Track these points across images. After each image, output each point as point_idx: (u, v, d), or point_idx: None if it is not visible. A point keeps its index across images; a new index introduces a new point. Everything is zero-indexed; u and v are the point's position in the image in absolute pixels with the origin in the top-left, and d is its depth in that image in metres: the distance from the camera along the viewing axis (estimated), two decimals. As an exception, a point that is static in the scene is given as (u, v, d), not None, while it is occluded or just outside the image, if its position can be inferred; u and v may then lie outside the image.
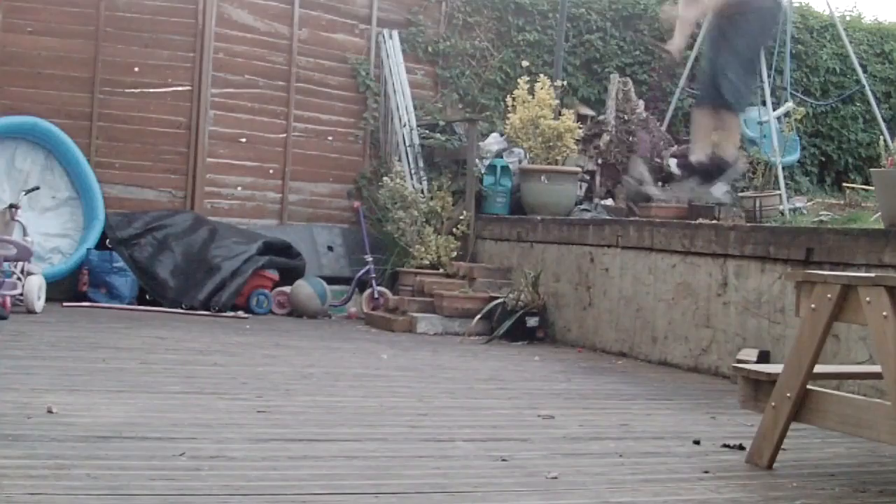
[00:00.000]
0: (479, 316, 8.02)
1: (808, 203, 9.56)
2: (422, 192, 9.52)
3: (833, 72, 12.60)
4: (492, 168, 9.45)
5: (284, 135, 9.93)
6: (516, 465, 3.62)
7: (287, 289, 9.02)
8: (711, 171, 6.46)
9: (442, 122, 10.21)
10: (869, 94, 10.39)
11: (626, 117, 10.03)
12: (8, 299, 7.20)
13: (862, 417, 3.54)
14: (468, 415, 4.70)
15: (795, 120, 9.74)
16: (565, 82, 10.52)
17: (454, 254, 9.14)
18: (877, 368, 3.66)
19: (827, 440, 4.36)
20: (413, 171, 9.79)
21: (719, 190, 6.62)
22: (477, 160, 9.52)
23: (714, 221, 7.73)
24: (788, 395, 3.70)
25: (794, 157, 10.53)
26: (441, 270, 9.03)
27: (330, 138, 10.17)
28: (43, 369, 5.06)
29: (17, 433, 3.55)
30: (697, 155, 6.53)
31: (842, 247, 5.75)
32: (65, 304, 8.29)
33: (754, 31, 6.38)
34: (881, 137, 7.64)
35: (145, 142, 9.36)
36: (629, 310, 7.37)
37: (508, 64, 11.00)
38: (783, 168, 9.21)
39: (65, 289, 8.56)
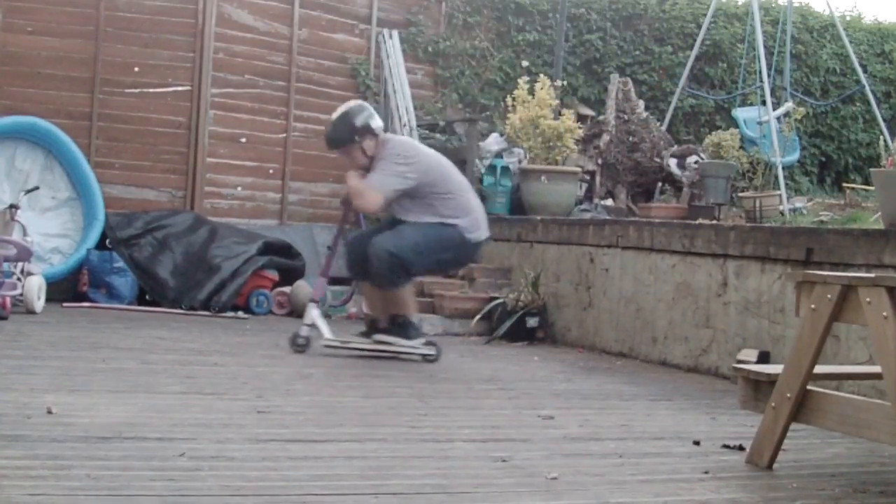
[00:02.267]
0: (479, 316, 8.02)
1: (808, 203, 9.57)
2: (422, 192, 9.51)
3: (833, 72, 12.61)
4: (492, 168, 9.45)
5: (284, 135, 9.93)
6: (516, 465, 3.61)
7: (287, 289, 9.02)
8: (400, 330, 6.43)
9: (442, 122, 10.21)
10: (869, 94, 10.41)
11: (626, 117, 10.04)
12: (8, 299, 7.19)
13: (862, 417, 3.54)
14: (468, 415, 4.69)
15: (795, 120, 9.76)
16: (565, 82, 10.52)
17: (454, 254, 9.13)
18: (877, 368, 3.66)
19: (827, 440, 4.35)
20: (413, 171, 9.77)
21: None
22: (477, 160, 9.52)
23: (714, 222, 7.73)
24: (788, 395, 3.70)
25: (794, 157, 10.54)
26: (441, 270, 9.02)
27: (330, 138, 10.16)
28: (43, 369, 5.06)
29: (17, 433, 3.55)
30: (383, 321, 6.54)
31: (842, 247, 5.74)
32: (65, 304, 8.28)
33: (422, 229, 6.35)
34: (881, 137, 7.65)
35: (145, 142, 9.35)
36: (629, 310, 7.37)
37: (508, 64, 11.01)
38: (783, 168, 9.22)
39: (65, 289, 8.55)
